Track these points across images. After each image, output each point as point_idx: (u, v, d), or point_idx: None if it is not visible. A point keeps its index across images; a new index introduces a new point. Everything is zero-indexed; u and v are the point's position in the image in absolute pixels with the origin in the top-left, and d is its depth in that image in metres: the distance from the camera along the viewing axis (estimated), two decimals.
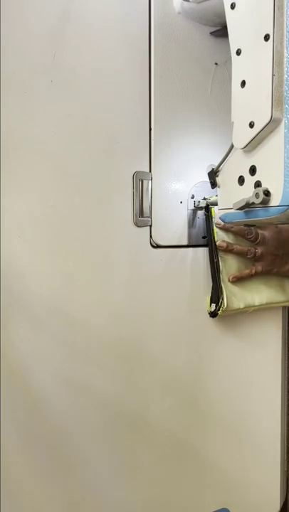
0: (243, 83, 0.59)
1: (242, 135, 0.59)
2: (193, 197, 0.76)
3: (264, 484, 0.85)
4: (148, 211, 0.71)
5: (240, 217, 0.62)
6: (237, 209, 0.60)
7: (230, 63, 0.61)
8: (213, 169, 0.69)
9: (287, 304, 0.81)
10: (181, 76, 0.75)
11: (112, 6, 0.68)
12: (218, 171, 0.68)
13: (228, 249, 0.76)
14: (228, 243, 0.76)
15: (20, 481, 0.62)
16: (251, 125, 0.57)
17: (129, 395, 0.70)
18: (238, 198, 0.60)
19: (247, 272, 0.77)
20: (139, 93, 0.71)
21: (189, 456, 0.77)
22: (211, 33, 0.78)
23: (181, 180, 0.75)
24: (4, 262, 0.60)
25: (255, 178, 0.59)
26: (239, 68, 0.60)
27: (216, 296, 0.74)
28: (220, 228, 0.77)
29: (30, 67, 0.61)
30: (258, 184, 0.58)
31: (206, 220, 0.75)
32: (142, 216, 0.71)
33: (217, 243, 0.76)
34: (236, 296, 0.75)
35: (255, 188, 0.58)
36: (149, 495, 0.73)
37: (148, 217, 0.72)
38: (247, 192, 0.59)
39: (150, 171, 0.72)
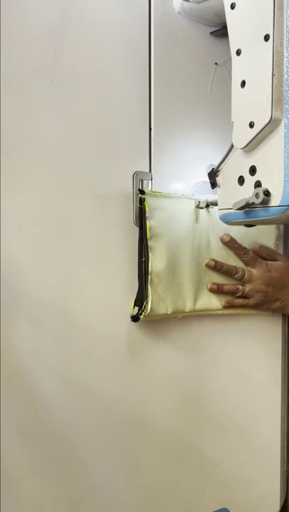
0: (243, 83, 0.59)
1: (242, 135, 0.59)
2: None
3: (264, 484, 0.85)
4: None
5: (240, 218, 0.62)
6: (237, 209, 0.60)
7: (230, 63, 0.61)
8: (213, 169, 0.69)
9: (219, 312, 0.76)
10: (181, 76, 0.75)
11: (112, 6, 0.68)
12: (218, 171, 0.68)
13: (217, 269, 0.74)
14: (216, 262, 0.74)
15: (21, 481, 0.62)
16: (251, 125, 0.57)
17: (129, 394, 0.70)
18: (238, 198, 0.60)
19: (239, 301, 0.76)
20: (139, 93, 0.71)
21: (189, 456, 0.77)
22: (211, 33, 0.78)
23: (181, 180, 0.75)
24: (4, 262, 0.60)
25: (255, 178, 0.59)
26: (239, 68, 0.60)
27: (141, 299, 0.68)
28: (226, 244, 0.74)
29: (30, 67, 0.61)
30: (258, 184, 0.58)
31: (139, 214, 0.68)
32: None
33: (206, 262, 0.74)
34: (165, 301, 0.69)
35: (255, 188, 0.58)
36: (149, 495, 0.73)
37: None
38: (247, 192, 0.59)
39: (150, 171, 0.72)
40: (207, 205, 0.74)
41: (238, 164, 0.63)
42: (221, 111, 0.79)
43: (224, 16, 0.62)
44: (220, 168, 0.68)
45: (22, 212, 0.61)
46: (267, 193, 0.55)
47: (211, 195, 0.74)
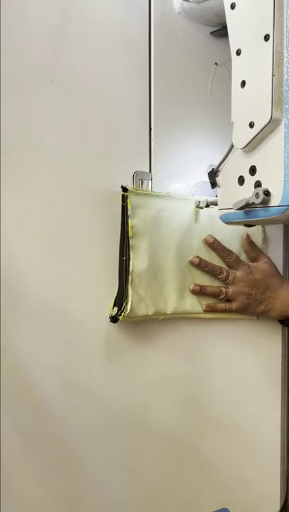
0: (243, 83, 0.59)
1: (242, 135, 0.59)
2: None
3: (264, 484, 0.85)
4: None
5: (240, 217, 0.62)
6: (237, 209, 0.60)
7: (230, 63, 0.61)
8: (213, 169, 0.69)
9: (201, 316, 0.74)
10: (181, 76, 0.75)
11: (112, 6, 0.68)
12: (218, 171, 0.68)
13: (201, 267, 0.73)
14: (201, 260, 0.73)
15: (21, 481, 0.62)
16: (251, 125, 0.57)
17: (129, 394, 0.70)
18: (238, 198, 0.60)
19: (221, 306, 0.74)
20: (139, 93, 0.71)
21: (189, 456, 0.77)
22: (211, 33, 0.78)
23: (181, 180, 0.75)
24: (4, 262, 0.60)
25: (255, 178, 0.59)
26: (239, 68, 0.60)
27: (121, 299, 0.66)
28: (209, 246, 0.73)
29: (30, 67, 0.61)
30: (258, 184, 0.58)
31: (122, 212, 0.67)
32: None
33: (190, 258, 0.72)
34: (146, 302, 0.67)
35: (255, 188, 0.58)
36: (149, 495, 0.73)
37: None
38: (247, 192, 0.59)
39: (150, 171, 0.72)
40: (207, 205, 0.74)
41: (238, 164, 0.63)
42: (221, 111, 0.79)
43: (224, 16, 0.62)
44: (220, 168, 0.68)
45: (22, 212, 0.61)
46: (267, 193, 0.55)
47: (202, 196, 0.74)
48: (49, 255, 0.63)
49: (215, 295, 0.74)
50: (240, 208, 0.60)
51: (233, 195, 0.62)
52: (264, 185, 0.57)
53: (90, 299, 0.66)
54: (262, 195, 0.55)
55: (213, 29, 0.77)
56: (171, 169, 0.74)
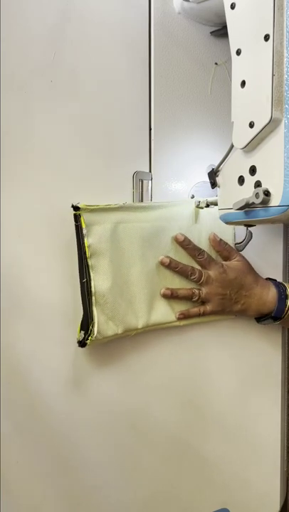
0: (243, 83, 0.59)
1: (242, 135, 0.59)
2: (193, 197, 0.76)
3: (264, 484, 0.85)
4: None
5: (240, 218, 0.62)
6: (237, 209, 0.60)
7: (230, 63, 0.61)
8: (213, 169, 0.69)
9: (176, 324, 0.71)
10: (181, 76, 0.75)
11: (112, 6, 0.68)
12: (218, 171, 0.68)
13: (172, 267, 0.69)
14: (171, 260, 0.69)
15: (21, 481, 0.62)
16: (251, 125, 0.57)
17: (129, 394, 0.70)
18: (238, 198, 0.60)
19: (195, 310, 0.71)
20: (139, 93, 0.71)
21: (189, 456, 0.77)
22: (211, 33, 0.78)
23: (181, 180, 0.75)
24: (4, 262, 0.60)
25: (255, 178, 0.59)
26: (239, 68, 0.60)
27: (87, 322, 0.63)
28: (180, 244, 0.70)
29: (30, 67, 0.61)
30: (258, 184, 0.58)
31: (76, 232, 0.62)
32: None
33: (160, 258, 0.69)
34: (114, 321, 0.64)
35: (255, 188, 0.58)
36: (149, 495, 0.73)
37: None
38: (247, 192, 0.59)
39: (150, 171, 0.72)
40: (207, 205, 0.74)
41: (238, 164, 0.63)
42: (221, 111, 0.79)
43: (224, 16, 0.62)
44: (220, 168, 0.68)
45: (22, 212, 0.61)
46: (267, 193, 0.55)
47: (164, 200, 0.71)
48: (49, 255, 0.63)
49: (188, 297, 0.70)
50: (240, 208, 0.60)
51: (233, 195, 0.62)
52: (264, 185, 0.57)
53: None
54: (262, 195, 0.55)
55: (213, 29, 0.77)
56: (171, 169, 0.74)
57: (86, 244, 0.62)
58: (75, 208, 0.62)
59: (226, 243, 0.75)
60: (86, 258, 0.62)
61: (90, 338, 0.62)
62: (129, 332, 0.67)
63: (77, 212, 0.62)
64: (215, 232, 0.74)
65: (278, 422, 0.85)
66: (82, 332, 0.63)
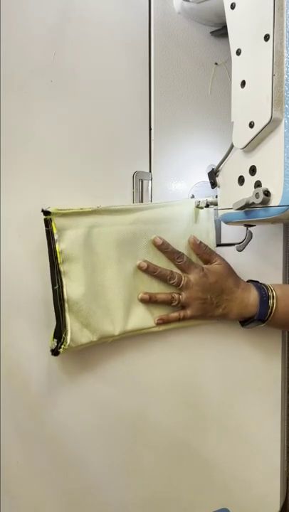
0: (243, 83, 0.59)
1: (242, 135, 0.59)
2: (193, 197, 0.76)
3: (264, 484, 0.85)
4: None
5: (240, 218, 0.62)
6: (237, 209, 0.60)
7: (230, 63, 0.61)
8: (213, 169, 0.69)
9: (155, 329, 0.69)
10: (181, 76, 0.75)
11: (112, 6, 0.68)
12: (218, 171, 0.69)
13: (149, 271, 0.67)
14: (149, 264, 0.67)
15: (21, 481, 0.62)
16: (251, 125, 0.57)
17: (129, 395, 0.70)
18: (238, 198, 0.60)
19: (175, 315, 0.69)
20: (139, 93, 0.71)
21: (189, 456, 0.77)
22: (211, 33, 0.78)
23: (181, 180, 0.75)
24: (4, 262, 0.60)
25: (255, 178, 0.59)
26: (239, 68, 0.60)
27: (59, 330, 0.61)
28: (158, 248, 0.68)
29: (30, 67, 0.61)
30: (258, 184, 0.58)
31: (47, 237, 0.60)
32: None
33: (137, 263, 0.66)
34: (89, 328, 0.62)
35: (255, 188, 0.58)
36: (149, 495, 0.73)
37: None
38: (247, 192, 0.59)
39: (150, 171, 0.72)
40: (207, 205, 0.74)
41: (238, 164, 0.63)
42: (221, 111, 0.79)
43: (224, 16, 0.62)
44: (220, 168, 0.68)
45: (22, 212, 0.61)
46: (267, 193, 0.55)
47: (136, 204, 0.69)
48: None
49: (167, 302, 0.68)
50: (240, 208, 0.60)
51: (233, 195, 0.62)
52: (264, 185, 0.57)
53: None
54: (262, 195, 0.55)
55: (213, 29, 0.77)
56: (171, 169, 0.74)
57: (58, 250, 0.60)
58: (46, 213, 0.59)
59: (206, 246, 0.72)
60: (58, 264, 0.60)
61: (62, 346, 0.60)
62: (106, 339, 0.64)
63: (48, 216, 0.60)
64: (194, 235, 0.72)
65: (278, 422, 0.85)
66: (55, 340, 0.61)
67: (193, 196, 0.76)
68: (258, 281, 0.75)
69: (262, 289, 0.72)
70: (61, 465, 0.65)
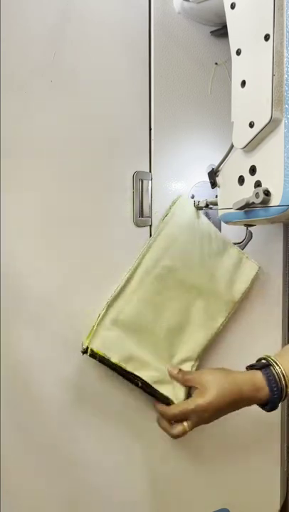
0: (243, 83, 0.59)
1: (242, 135, 0.59)
2: (193, 197, 0.76)
3: (264, 484, 0.85)
4: (148, 211, 0.71)
5: (240, 217, 0.62)
6: (237, 209, 0.60)
7: (230, 63, 0.61)
8: (213, 169, 0.69)
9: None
10: (181, 76, 0.75)
11: (112, 6, 0.68)
12: (218, 170, 0.69)
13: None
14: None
15: (21, 481, 0.62)
16: (251, 125, 0.57)
17: (129, 394, 0.70)
18: (238, 198, 0.60)
19: (179, 428, 0.66)
20: (139, 93, 0.71)
21: (189, 456, 0.77)
22: (211, 33, 0.78)
23: (181, 180, 0.75)
24: (4, 261, 0.60)
25: (255, 178, 0.59)
26: (239, 68, 0.60)
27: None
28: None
29: (30, 67, 0.61)
30: (258, 184, 0.58)
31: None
32: (142, 216, 0.71)
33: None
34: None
35: (255, 187, 0.58)
36: (148, 495, 0.73)
37: (148, 217, 0.72)
38: (247, 192, 0.59)
39: (150, 171, 0.72)
40: (207, 205, 0.74)
41: (238, 164, 0.63)
42: (221, 111, 0.79)
43: (224, 16, 0.62)
44: (220, 168, 0.68)
45: (22, 212, 0.61)
46: (267, 193, 0.55)
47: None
48: (49, 255, 0.63)
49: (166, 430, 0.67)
50: (240, 208, 0.60)
51: (233, 195, 0.62)
52: (264, 185, 0.57)
53: (90, 298, 0.66)
54: (262, 195, 0.55)
55: (213, 29, 0.77)
56: (171, 169, 0.74)
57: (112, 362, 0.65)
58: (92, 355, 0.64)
59: (184, 373, 0.69)
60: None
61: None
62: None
63: (93, 354, 0.64)
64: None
65: (278, 422, 0.85)
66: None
67: (193, 196, 0.76)
68: (260, 361, 0.68)
69: (270, 381, 0.65)
70: (61, 465, 0.65)
